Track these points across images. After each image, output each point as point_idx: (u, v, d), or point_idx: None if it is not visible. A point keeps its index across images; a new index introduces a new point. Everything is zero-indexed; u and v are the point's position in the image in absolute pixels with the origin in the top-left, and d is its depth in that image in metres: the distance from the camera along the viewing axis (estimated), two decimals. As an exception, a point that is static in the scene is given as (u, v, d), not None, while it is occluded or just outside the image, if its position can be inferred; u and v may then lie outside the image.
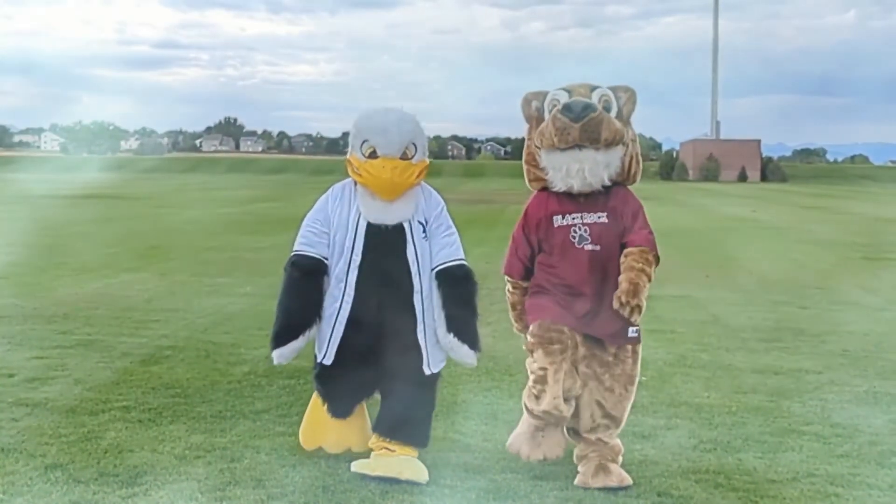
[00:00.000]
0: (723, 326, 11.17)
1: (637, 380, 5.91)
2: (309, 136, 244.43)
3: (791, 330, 10.95)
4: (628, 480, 5.67)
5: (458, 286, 5.77)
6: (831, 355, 9.54)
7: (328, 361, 5.81)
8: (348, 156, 5.78)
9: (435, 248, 5.79)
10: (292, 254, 5.82)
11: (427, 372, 5.79)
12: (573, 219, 5.76)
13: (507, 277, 6.09)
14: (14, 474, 5.77)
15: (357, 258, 5.68)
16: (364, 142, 5.69)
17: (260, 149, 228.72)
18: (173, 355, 9.15)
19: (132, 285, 14.21)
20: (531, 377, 5.69)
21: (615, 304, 5.56)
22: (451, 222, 5.93)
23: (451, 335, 5.72)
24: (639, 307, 5.58)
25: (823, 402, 7.68)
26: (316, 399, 6.10)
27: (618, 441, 5.87)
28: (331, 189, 5.92)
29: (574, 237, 5.74)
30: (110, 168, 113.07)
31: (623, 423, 5.89)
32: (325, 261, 5.75)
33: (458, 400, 7.33)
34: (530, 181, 6.00)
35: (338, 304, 5.73)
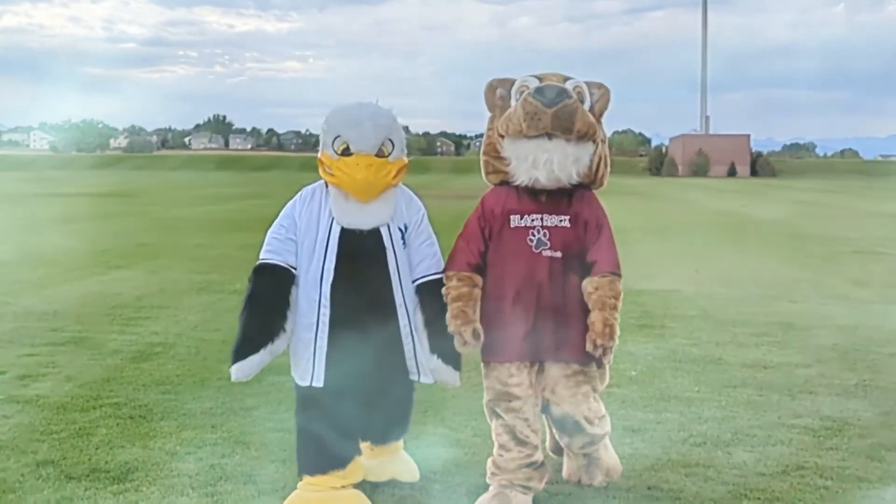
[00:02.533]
0: (712, 321, 11.18)
1: (607, 376, 5.49)
2: (298, 133, 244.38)
3: (780, 324, 10.97)
4: (616, 472, 5.57)
5: (437, 301, 5.19)
6: (821, 349, 9.56)
7: (319, 383, 5.16)
8: (319, 154, 5.24)
9: (415, 258, 5.27)
10: (257, 263, 5.20)
11: (415, 378, 5.39)
12: (532, 220, 5.18)
13: (450, 273, 5.25)
14: (6, 471, 5.78)
15: (330, 266, 5.10)
16: (336, 137, 5.14)
17: (249, 146, 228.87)
18: (164, 352, 9.15)
19: (122, 283, 14.21)
20: (497, 441, 5.32)
21: (588, 346, 5.03)
22: (431, 231, 5.41)
23: (436, 357, 5.22)
24: (612, 347, 5.06)
25: (813, 395, 7.70)
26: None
27: (604, 428, 5.46)
28: (299, 193, 5.35)
29: (532, 241, 5.16)
30: (99, 166, 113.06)
31: (603, 410, 5.47)
32: (292, 269, 5.16)
33: (447, 395, 7.32)
34: (488, 174, 5.40)
35: (315, 320, 5.13)
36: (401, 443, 5.75)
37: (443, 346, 5.20)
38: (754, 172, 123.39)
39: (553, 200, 5.18)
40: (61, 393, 7.58)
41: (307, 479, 5.25)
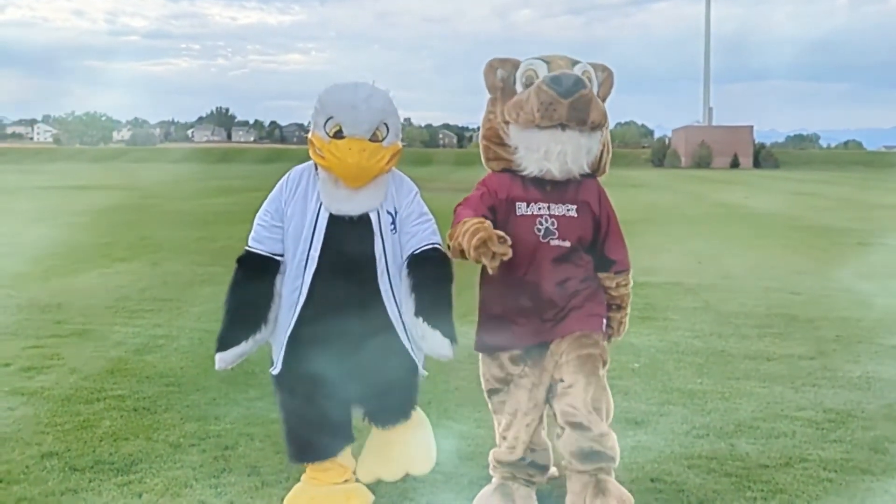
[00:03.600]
0: (715, 313, 11.19)
1: (607, 363, 5.16)
2: (300, 126, 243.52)
3: (783, 316, 10.98)
4: (629, 501, 4.98)
5: (428, 267, 4.93)
6: (824, 341, 9.57)
7: (275, 371, 5.07)
8: (310, 135, 4.99)
9: (405, 237, 5.00)
10: (242, 252, 5.10)
11: (422, 374, 5.20)
12: (539, 209, 4.98)
13: (452, 230, 4.85)
14: (10, 462, 5.80)
15: (315, 254, 4.90)
16: (329, 119, 4.87)
17: (251, 139, 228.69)
18: (167, 344, 9.17)
19: (126, 275, 14.23)
20: (498, 429, 5.26)
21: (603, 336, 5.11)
22: (425, 209, 5.13)
23: (421, 319, 4.85)
24: None
25: (816, 387, 7.71)
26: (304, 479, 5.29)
27: (611, 434, 5.02)
28: (287, 175, 5.12)
29: (539, 230, 4.96)
30: (102, 159, 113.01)
31: (611, 415, 5.12)
32: (277, 257, 5.00)
33: (450, 387, 7.34)
34: (489, 160, 5.21)
35: (293, 311, 4.97)
36: (414, 420, 5.32)
37: (430, 310, 4.87)
38: (757, 164, 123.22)
39: (559, 189, 5.01)
40: (65, 385, 7.60)
41: (309, 472, 5.22)
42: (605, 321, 5.18)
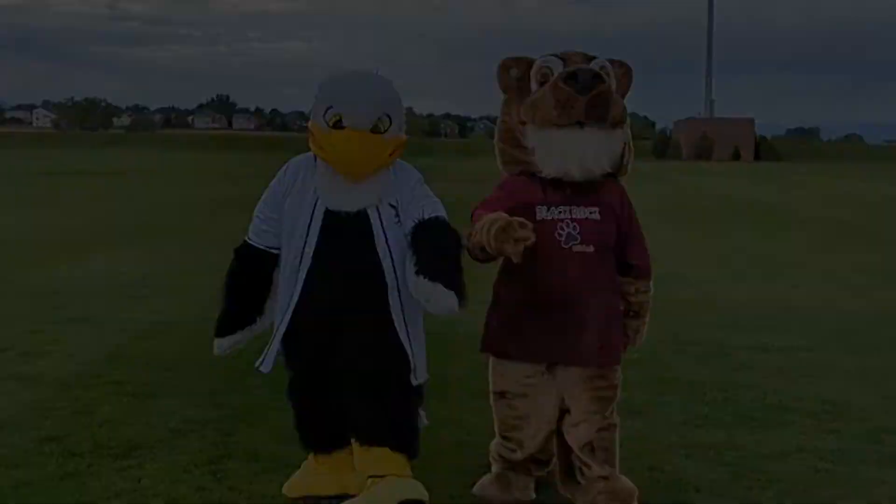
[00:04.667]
0: (715, 304, 11.21)
1: (617, 398, 5.00)
2: (302, 114, 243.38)
3: (782, 307, 11.00)
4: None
5: (429, 229, 4.57)
6: (822, 333, 9.59)
7: (265, 369, 4.95)
8: (309, 123, 4.72)
9: (409, 222, 4.63)
10: (239, 244, 5.01)
11: (414, 382, 4.84)
12: (560, 213, 4.70)
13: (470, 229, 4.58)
14: (9, 447, 5.80)
15: (309, 251, 4.66)
16: (329, 108, 4.56)
17: (252, 126, 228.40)
18: (167, 331, 9.19)
19: (126, 261, 14.25)
20: (499, 429, 5.13)
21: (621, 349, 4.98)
22: (429, 192, 4.82)
23: (421, 276, 4.39)
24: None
25: (814, 378, 7.72)
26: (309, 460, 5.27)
27: (626, 479, 4.97)
28: (285, 166, 4.89)
29: (561, 235, 4.68)
30: (102, 145, 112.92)
31: (617, 457, 4.99)
32: (273, 251, 4.86)
33: (450, 377, 7.34)
34: (505, 163, 4.96)
35: (288, 307, 4.77)
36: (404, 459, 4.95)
37: (430, 265, 4.41)
38: (758, 157, 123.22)
39: (580, 191, 4.74)
40: (65, 370, 7.61)
41: (311, 461, 5.23)
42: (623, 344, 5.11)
